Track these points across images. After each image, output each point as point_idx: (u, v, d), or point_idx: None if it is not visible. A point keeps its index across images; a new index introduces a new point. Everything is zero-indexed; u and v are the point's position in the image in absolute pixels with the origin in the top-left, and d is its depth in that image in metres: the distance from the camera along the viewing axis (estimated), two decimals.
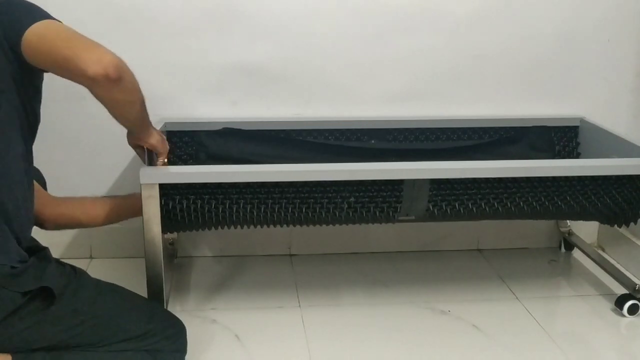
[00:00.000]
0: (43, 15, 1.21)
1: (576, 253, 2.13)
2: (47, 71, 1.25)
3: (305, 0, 1.82)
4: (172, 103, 1.85)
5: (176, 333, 1.45)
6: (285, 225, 1.64)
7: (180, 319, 1.68)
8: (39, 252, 1.33)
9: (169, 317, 1.49)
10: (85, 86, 1.20)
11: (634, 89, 2.03)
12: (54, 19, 1.22)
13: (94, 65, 1.15)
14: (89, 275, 1.42)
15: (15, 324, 1.24)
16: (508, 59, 1.95)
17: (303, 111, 1.92)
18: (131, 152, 1.49)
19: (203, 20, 1.81)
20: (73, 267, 1.39)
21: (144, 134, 1.41)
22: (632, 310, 1.76)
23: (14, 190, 1.25)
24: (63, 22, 1.22)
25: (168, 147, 1.51)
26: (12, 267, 1.22)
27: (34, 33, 1.17)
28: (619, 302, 1.78)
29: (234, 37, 1.84)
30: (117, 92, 1.21)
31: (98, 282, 1.42)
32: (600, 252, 2.08)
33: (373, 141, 1.91)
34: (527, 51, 1.95)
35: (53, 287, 1.27)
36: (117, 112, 1.28)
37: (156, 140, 1.45)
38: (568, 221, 2.14)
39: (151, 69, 1.81)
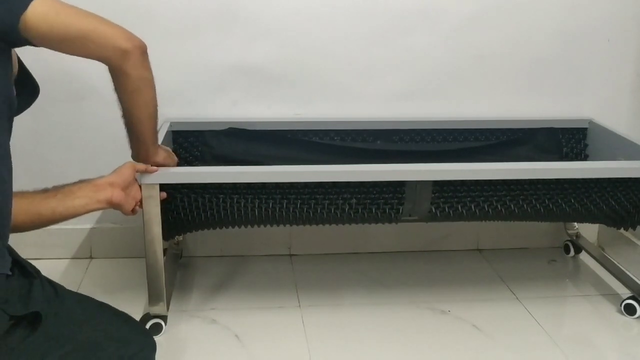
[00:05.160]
0: None
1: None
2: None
3: (306, 1, 1.82)
4: (172, 104, 1.85)
5: (147, 355, 1.24)
6: (288, 225, 1.64)
7: (180, 319, 1.69)
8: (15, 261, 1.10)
9: (146, 337, 1.27)
10: (114, 61, 1.15)
11: (634, 89, 2.02)
12: None
13: (125, 38, 1.12)
14: (68, 294, 1.20)
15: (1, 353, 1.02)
16: (508, 60, 1.95)
17: (303, 111, 1.92)
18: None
19: (203, 21, 1.81)
20: (51, 284, 1.16)
21: (151, 150, 1.40)
22: (629, 310, 1.76)
23: (4, 187, 1.05)
24: None
25: (177, 160, 1.51)
26: (7, 276, 1.04)
27: (41, 12, 1.06)
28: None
29: (234, 37, 1.83)
30: (145, 68, 1.19)
31: (79, 302, 1.21)
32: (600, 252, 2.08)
33: (379, 142, 1.91)
34: (527, 51, 1.94)
35: (41, 311, 1.06)
36: (141, 94, 1.23)
37: (163, 158, 1.45)
38: (576, 224, 2.12)
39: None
